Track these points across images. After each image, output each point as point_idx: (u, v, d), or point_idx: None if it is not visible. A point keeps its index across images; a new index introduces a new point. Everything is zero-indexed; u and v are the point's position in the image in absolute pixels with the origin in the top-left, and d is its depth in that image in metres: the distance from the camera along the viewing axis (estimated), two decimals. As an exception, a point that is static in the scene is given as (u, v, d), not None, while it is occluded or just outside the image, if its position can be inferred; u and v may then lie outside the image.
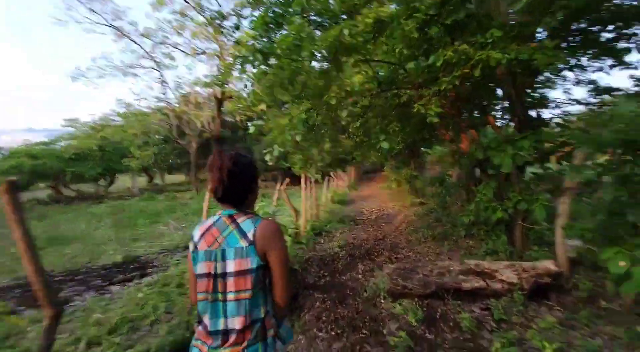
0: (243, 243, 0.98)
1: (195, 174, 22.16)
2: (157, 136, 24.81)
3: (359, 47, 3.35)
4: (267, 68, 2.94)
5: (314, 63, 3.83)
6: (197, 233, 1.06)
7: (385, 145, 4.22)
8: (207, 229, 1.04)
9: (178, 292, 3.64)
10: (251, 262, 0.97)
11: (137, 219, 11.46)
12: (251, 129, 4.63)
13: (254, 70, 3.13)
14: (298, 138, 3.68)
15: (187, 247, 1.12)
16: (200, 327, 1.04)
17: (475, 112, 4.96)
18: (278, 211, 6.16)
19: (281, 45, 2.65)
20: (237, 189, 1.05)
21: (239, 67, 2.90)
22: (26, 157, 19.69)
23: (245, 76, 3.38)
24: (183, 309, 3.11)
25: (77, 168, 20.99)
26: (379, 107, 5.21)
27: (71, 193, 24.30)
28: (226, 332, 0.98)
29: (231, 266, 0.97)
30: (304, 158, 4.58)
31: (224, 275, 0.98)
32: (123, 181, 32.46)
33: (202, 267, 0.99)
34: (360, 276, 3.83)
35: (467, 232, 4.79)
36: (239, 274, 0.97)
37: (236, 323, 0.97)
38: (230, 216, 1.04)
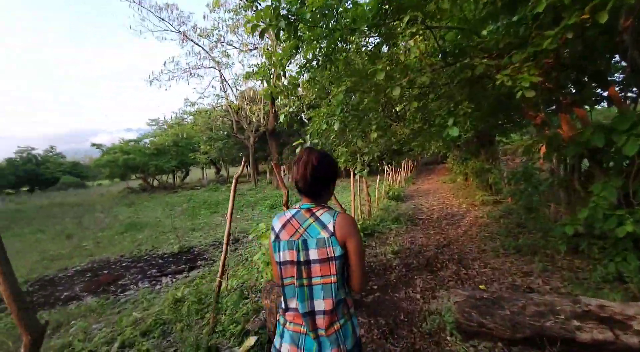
0: (324, 234, 1.06)
1: (254, 166, 23.24)
2: (221, 132, 26.70)
3: (415, 4, 2.54)
4: (297, 41, 2.37)
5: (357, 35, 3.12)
6: (277, 224, 1.14)
7: (454, 132, 3.32)
8: (288, 221, 1.12)
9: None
10: (334, 251, 1.05)
11: (200, 209, 12.37)
12: (281, 118, 4.13)
13: (282, 45, 2.60)
14: (336, 126, 3.07)
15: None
16: (290, 312, 1.12)
17: (583, 83, 3.63)
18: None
19: (312, 7, 2.05)
20: (317, 185, 1.12)
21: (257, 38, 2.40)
22: (120, 152, 23.24)
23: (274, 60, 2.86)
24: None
25: (158, 162, 23.96)
26: (443, 85, 4.23)
27: (156, 183, 28.18)
28: (312, 314, 1.07)
29: (314, 254, 1.06)
30: (349, 150, 3.94)
31: (308, 262, 1.06)
32: (196, 173, 36.40)
33: (285, 255, 1.09)
34: (418, 296, 3.10)
35: (569, 246, 3.58)
36: (323, 261, 1.06)
37: (322, 305, 1.06)
38: (309, 210, 1.12)
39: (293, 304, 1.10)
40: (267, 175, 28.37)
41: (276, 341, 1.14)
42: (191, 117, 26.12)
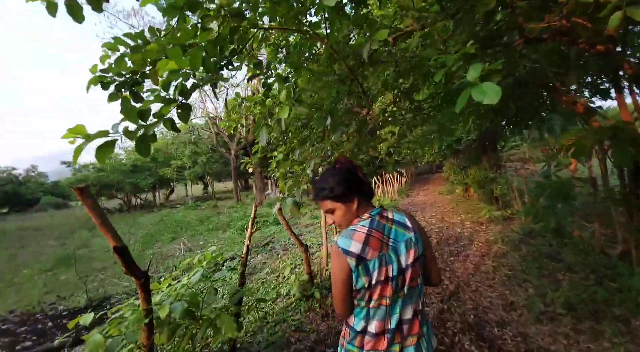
0: (409, 233, 1.02)
1: (236, 181, 21.76)
2: (205, 146, 25.33)
3: None
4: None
5: None
6: (353, 245, 0.96)
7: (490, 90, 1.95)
8: (368, 236, 0.98)
9: None
10: (420, 249, 1.02)
11: (165, 232, 10.77)
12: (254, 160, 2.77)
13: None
14: (264, 134, 1.66)
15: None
16: (368, 336, 0.99)
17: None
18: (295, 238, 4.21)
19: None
20: (368, 185, 1.11)
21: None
22: (93, 170, 21.57)
23: None
24: None
25: (135, 179, 22.29)
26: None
27: (138, 202, 26.39)
28: (400, 324, 0.99)
29: (407, 260, 0.99)
30: (282, 169, 2.48)
31: (402, 271, 0.98)
32: (183, 190, 34.66)
33: (378, 275, 0.96)
34: None
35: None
36: (414, 264, 1.00)
37: (410, 312, 1.00)
38: (380, 213, 1.04)
39: (377, 328, 0.98)
40: (254, 189, 26.93)
41: None
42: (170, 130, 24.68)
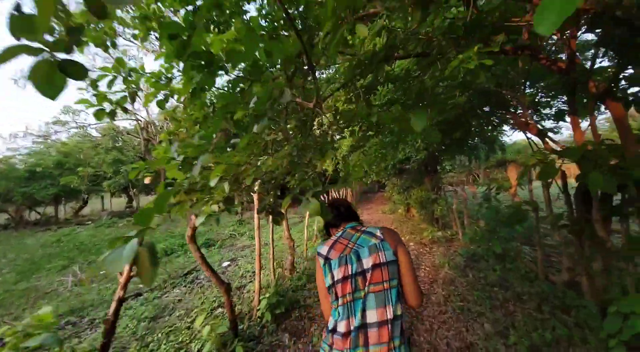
0: (375, 240, 1.12)
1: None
2: (130, 153, 22.13)
3: None
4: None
5: None
6: (323, 248, 1.18)
7: (421, 125, 1.48)
8: (335, 241, 1.18)
9: None
10: (386, 256, 1.07)
11: (55, 258, 8.43)
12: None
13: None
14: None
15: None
16: (337, 335, 1.05)
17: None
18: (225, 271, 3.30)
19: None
20: (354, 211, 1.31)
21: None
22: (-33, 176, 16.74)
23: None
24: None
25: (29, 188, 17.96)
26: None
27: (34, 217, 21.19)
28: (364, 327, 1.01)
29: (368, 263, 1.07)
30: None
31: (363, 272, 1.06)
32: (97, 203, 29.30)
33: (338, 273, 1.09)
34: None
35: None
36: (375, 267, 1.06)
37: (375, 316, 1.01)
38: (354, 227, 1.21)
39: (341, 326, 1.05)
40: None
41: None
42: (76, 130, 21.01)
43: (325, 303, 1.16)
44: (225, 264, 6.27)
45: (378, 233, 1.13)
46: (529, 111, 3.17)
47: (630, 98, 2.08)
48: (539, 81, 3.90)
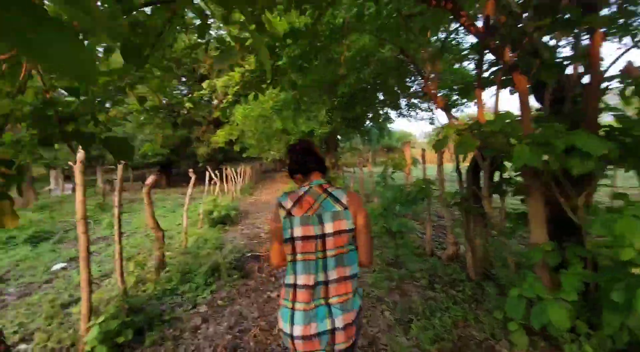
0: (339, 207, 1.13)
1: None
2: None
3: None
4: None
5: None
6: (287, 201, 1.15)
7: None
8: (300, 197, 1.15)
9: None
10: (347, 224, 1.12)
11: None
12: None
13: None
14: None
15: None
16: (300, 289, 1.10)
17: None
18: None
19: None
20: (321, 161, 1.25)
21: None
22: None
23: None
24: None
25: None
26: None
27: None
28: (326, 283, 1.10)
29: (329, 228, 1.10)
30: None
31: (323, 236, 1.10)
32: None
33: (299, 231, 1.10)
34: None
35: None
36: (337, 234, 1.10)
37: (334, 274, 1.11)
38: (320, 186, 1.18)
39: (303, 280, 1.10)
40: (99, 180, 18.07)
41: (285, 326, 1.10)
42: None
43: (276, 249, 1.17)
44: (59, 266, 4.40)
45: (343, 200, 1.15)
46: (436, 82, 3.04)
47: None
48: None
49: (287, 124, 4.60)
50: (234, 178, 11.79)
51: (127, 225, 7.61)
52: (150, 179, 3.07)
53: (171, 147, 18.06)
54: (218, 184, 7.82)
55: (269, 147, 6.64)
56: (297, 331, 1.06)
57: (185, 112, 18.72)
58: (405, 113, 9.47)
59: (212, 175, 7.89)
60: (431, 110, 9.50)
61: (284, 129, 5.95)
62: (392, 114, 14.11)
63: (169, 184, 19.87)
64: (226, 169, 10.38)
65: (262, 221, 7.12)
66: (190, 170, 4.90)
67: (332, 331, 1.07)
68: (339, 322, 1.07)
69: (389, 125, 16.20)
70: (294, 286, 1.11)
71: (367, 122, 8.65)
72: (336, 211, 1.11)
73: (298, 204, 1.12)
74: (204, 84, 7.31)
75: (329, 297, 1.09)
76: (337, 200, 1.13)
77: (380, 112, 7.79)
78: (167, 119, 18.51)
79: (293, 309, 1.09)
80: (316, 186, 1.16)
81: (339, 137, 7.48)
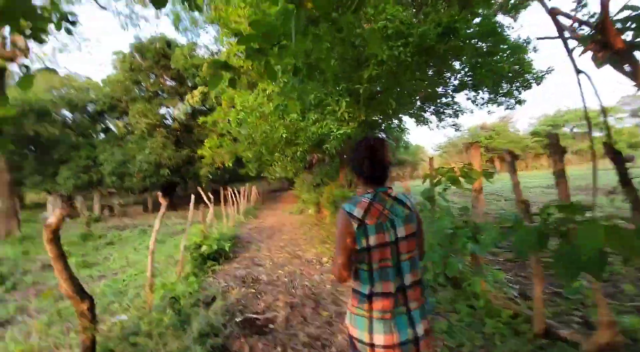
0: (407, 211, 1.16)
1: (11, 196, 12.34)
2: None
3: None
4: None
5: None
6: (357, 210, 1.12)
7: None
8: (370, 205, 1.13)
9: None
10: (415, 227, 1.16)
11: None
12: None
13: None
14: None
15: None
16: (377, 298, 1.09)
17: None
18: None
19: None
20: (388, 169, 1.20)
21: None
22: None
23: None
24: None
25: None
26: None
27: None
28: (403, 289, 1.11)
29: (402, 232, 1.12)
30: None
31: (396, 241, 1.12)
32: None
33: (375, 239, 1.10)
34: None
35: None
36: (408, 237, 1.13)
37: (410, 279, 1.13)
38: (386, 192, 1.17)
39: (380, 288, 1.10)
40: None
41: (362, 335, 1.09)
42: None
43: (346, 263, 1.13)
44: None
45: (409, 203, 1.18)
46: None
47: None
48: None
49: (292, 109, 3.34)
50: (235, 199, 10.49)
51: (102, 264, 6.28)
52: (53, 217, 1.75)
53: (173, 167, 17.10)
54: (211, 208, 6.48)
55: (271, 161, 5.37)
56: (379, 340, 1.06)
57: (180, 127, 17.86)
58: (427, 118, 8.12)
59: (205, 197, 6.58)
60: (457, 114, 8.11)
61: (288, 140, 4.63)
62: (410, 122, 12.54)
63: (172, 207, 18.78)
64: (225, 189, 9.11)
65: (264, 255, 5.67)
66: (159, 193, 3.59)
67: (416, 340, 1.07)
68: (420, 330, 1.09)
69: (405, 137, 14.55)
70: (371, 295, 1.09)
71: (395, 123, 7.29)
72: (407, 214, 1.14)
73: (370, 212, 1.11)
74: (195, 92, 6.31)
75: (408, 303, 1.10)
76: (403, 204, 1.16)
77: (410, 112, 6.46)
78: (169, 137, 17.71)
79: (371, 317, 1.08)
80: (382, 192, 1.16)
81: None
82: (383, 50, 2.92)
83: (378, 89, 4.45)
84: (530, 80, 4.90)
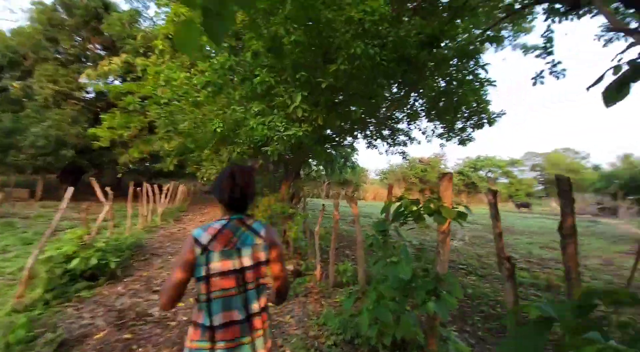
0: (258, 241, 1.16)
1: None
2: None
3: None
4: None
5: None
6: (204, 236, 1.10)
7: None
8: (219, 231, 1.12)
9: None
10: (264, 256, 1.16)
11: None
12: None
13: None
14: None
15: None
16: (219, 330, 1.05)
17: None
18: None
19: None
20: (248, 199, 1.21)
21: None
22: None
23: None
24: None
25: None
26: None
27: None
28: (250, 318, 1.11)
29: (248, 261, 1.12)
30: None
31: (243, 269, 1.11)
32: None
33: (218, 266, 1.07)
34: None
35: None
36: (255, 266, 1.13)
37: (257, 307, 1.13)
38: (240, 220, 1.17)
39: (224, 318, 1.07)
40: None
41: None
42: None
43: (176, 289, 1.07)
44: None
45: (262, 233, 1.17)
46: None
47: None
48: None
49: (226, 92, 2.46)
50: (151, 197, 8.74)
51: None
52: None
53: (81, 148, 13.96)
54: (107, 205, 4.95)
55: (200, 159, 4.30)
56: None
57: (103, 105, 14.92)
58: (377, 143, 7.95)
59: (99, 190, 5.03)
60: (406, 143, 8.11)
61: (225, 136, 3.67)
62: (361, 144, 12.40)
63: (75, 197, 15.18)
64: (133, 186, 7.42)
65: (161, 278, 4.38)
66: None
67: None
68: None
69: (353, 157, 14.45)
70: (212, 327, 1.06)
71: (349, 140, 6.81)
72: (256, 244, 1.14)
73: (217, 239, 1.10)
74: (116, 59, 4.87)
75: (252, 332, 1.10)
76: (257, 233, 1.16)
77: (365, 133, 6.04)
78: (82, 113, 14.60)
79: (213, 349, 1.04)
80: (236, 219, 1.16)
81: (309, 157, 5.39)
82: (357, 44, 2.33)
83: (341, 97, 3.87)
84: (484, 121, 4.94)
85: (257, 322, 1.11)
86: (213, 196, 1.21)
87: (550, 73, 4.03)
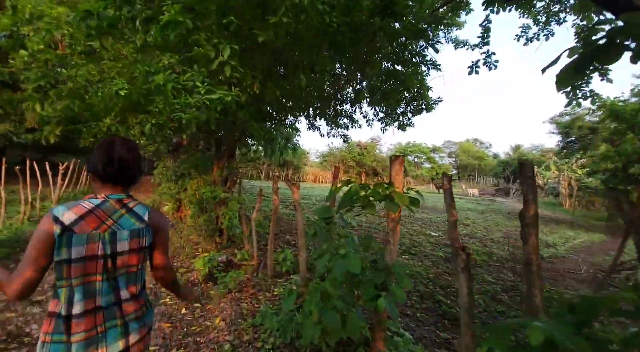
0: (140, 225, 1.05)
1: None
2: None
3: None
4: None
5: None
6: (68, 215, 0.94)
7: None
8: (89, 212, 0.98)
9: None
10: (146, 241, 1.06)
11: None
12: None
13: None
14: None
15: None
16: (76, 319, 0.93)
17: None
18: None
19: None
20: (132, 171, 1.07)
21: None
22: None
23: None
24: None
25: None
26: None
27: None
28: (119, 303, 1.01)
29: (125, 246, 1.01)
30: None
31: (115, 254, 0.99)
32: None
33: (81, 251, 0.94)
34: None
35: None
36: (133, 251, 1.03)
37: (127, 293, 1.03)
38: (120, 200, 1.04)
39: (84, 306, 0.94)
40: None
41: None
42: None
43: (26, 278, 0.90)
44: None
45: (145, 217, 1.06)
46: None
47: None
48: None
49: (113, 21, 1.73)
50: (40, 179, 6.95)
51: None
52: None
53: None
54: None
55: (98, 131, 3.31)
56: None
57: None
58: (319, 123, 7.70)
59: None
60: (348, 126, 8.07)
61: (133, 102, 2.83)
62: (303, 124, 11.96)
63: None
64: (52, 162, 5.74)
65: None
66: None
67: (127, 349, 0.99)
68: (134, 338, 1.01)
69: (295, 138, 14.04)
70: (68, 316, 0.92)
71: (290, 119, 6.33)
72: (136, 228, 1.03)
73: (85, 219, 0.95)
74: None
75: (124, 316, 1.01)
76: (138, 217, 1.05)
77: (308, 113, 5.64)
78: None
79: (69, 342, 0.91)
80: (114, 200, 1.02)
81: (246, 135, 4.75)
82: (303, -6, 1.88)
83: (282, 66, 3.35)
84: (423, 106, 5.05)
85: (128, 306, 1.02)
86: (88, 170, 1.03)
87: (484, 63, 4.26)
